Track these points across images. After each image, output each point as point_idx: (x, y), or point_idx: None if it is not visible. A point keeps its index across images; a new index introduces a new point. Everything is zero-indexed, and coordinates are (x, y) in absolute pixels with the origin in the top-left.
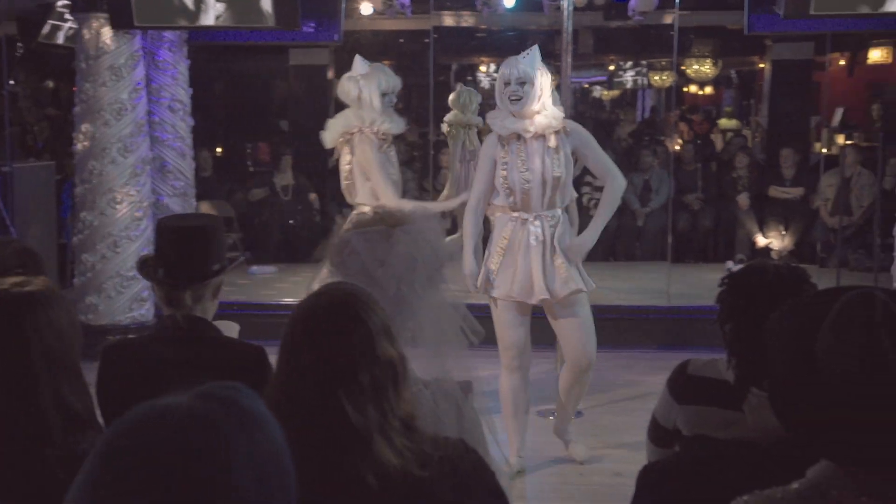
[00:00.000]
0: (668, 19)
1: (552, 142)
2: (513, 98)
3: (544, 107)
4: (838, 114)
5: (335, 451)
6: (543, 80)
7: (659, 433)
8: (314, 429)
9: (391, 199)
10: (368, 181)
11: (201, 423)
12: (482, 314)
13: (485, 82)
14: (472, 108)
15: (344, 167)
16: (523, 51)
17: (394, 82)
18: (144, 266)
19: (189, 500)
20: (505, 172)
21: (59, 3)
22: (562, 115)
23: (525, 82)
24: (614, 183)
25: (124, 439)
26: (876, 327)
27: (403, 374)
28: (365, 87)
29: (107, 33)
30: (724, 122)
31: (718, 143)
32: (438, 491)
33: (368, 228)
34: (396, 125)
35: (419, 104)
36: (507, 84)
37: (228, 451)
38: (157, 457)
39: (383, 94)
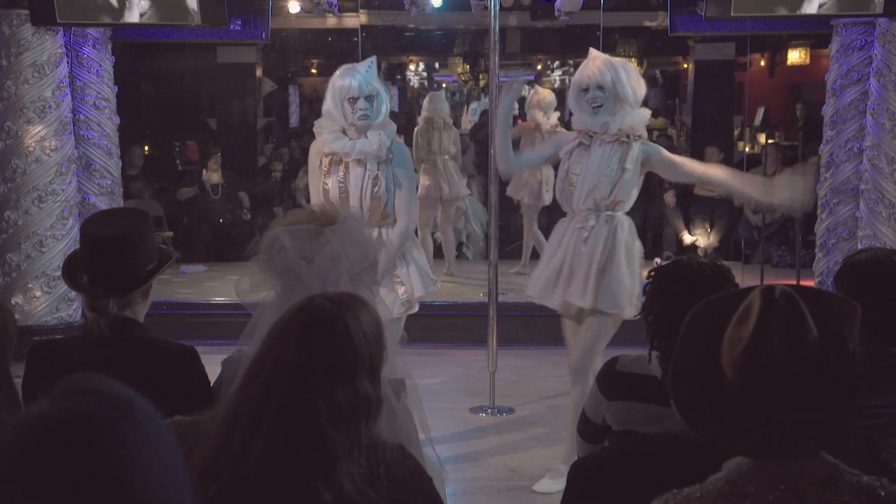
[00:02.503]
0: (593, 19)
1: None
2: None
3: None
4: (760, 113)
5: (299, 463)
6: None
7: (589, 429)
8: (283, 436)
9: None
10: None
11: (93, 423)
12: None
13: (414, 81)
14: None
15: None
16: (451, 49)
17: (346, 83)
18: (69, 272)
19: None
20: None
21: None
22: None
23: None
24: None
25: (14, 445)
26: (768, 319)
27: (377, 413)
28: (330, 88)
29: (28, 30)
30: (650, 122)
31: None
32: None
33: (298, 226)
34: (347, 146)
35: None
36: (355, 99)
37: (123, 450)
38: (51, 462)
39: (348, 100)
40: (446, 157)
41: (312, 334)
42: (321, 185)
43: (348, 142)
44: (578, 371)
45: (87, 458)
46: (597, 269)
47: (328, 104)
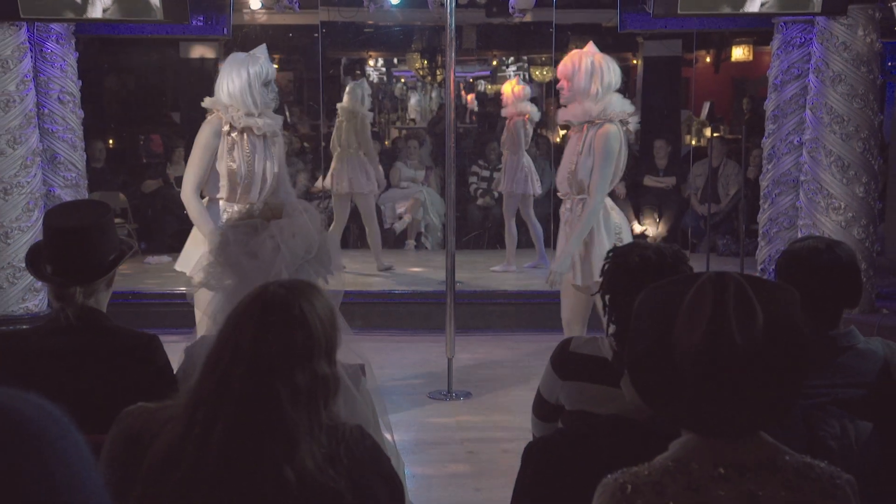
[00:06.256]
0: (546, 17)
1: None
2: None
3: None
4: (706, 108)
5: (260, 445)
6: None
7: (543, 408)
8: (244, 420)
9: (185, 190)
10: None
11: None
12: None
13: (373, 76)
14: (365, 101)
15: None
16: (409, 45)
17: (268, 70)
18: (34, 262)
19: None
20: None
21: None
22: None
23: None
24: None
25: None
26: (724, 305)
27: (335, 393)
28: (243, 72)
29: None
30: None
31: None
32: (341, 488)
33: (242, 222)
34: (268, 125)
35: (310, 97)
36: (267, 83)
37: (42, 448)
38: None
39: (265, 84)
40: (351, 150)
41: (269, 320)
42: (222, 163)
43: (259, 119)
44: None
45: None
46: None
47: (235, 86)
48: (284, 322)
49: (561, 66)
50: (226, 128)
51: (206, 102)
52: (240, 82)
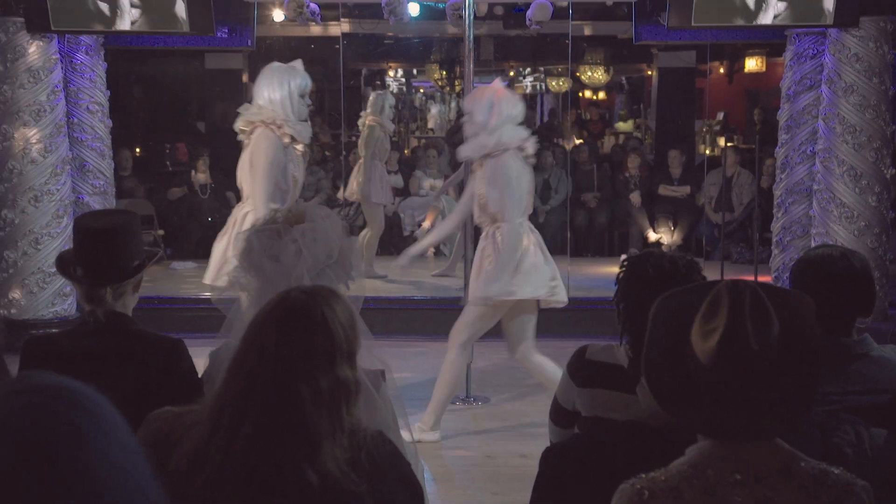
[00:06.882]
0: (562, 28)
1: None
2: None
3: None
4: (719, 118)
5: (284, 447)
6: None
7: (560, 414)
8: (268, 423)
9: (259, 207)
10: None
11: (39, 418)
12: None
13: (393, 86)
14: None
15: (244, 157)
16: (429, 56)
17: (307, 83)
18: (63, 265)
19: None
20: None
21: None
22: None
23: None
24: None
25: None
26: (740, 312)
27: (356, 396)
28: (285, 84)
29: (24, 37)
30: (621, 126)
31: (607, 144)
32: (363, 492)
33: (265, 226)
34: (304, 134)
35: (331, 107)
36: (304, 95)
37: (76, 439)
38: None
39: (301, 96)
40: (360, 160)
41: (292, 325)
42: (288, 175)
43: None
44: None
45: (38, 453)
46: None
47: (277, 96)
48: (306, 327)
49: (464, 102)
50: (286, 140)
51: (251, 113)
52: (281, 93)
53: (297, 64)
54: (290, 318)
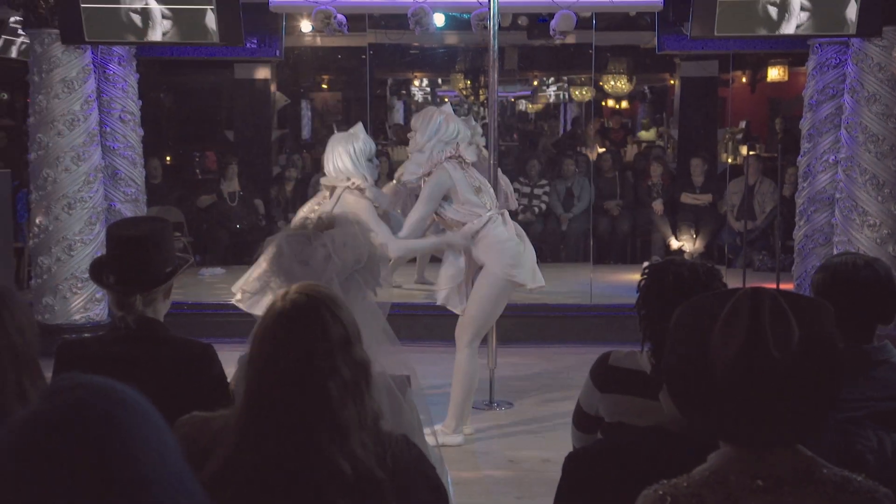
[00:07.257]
0: (586, 38)
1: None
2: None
3: None
4: (742, 126)
5: (315, 441)
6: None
7: (583, 419)
8: (297, 418)
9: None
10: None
11: (83, 413)
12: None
13: (418, 96)
14: None
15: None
16: (453, 66)
17: (371, 147)
18: (96, 272)
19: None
20: None
21: (12, 20)
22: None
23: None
24: None
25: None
26: (761, 319)
27: (371, 376)
28: (348, 150)
29: (58, 48)
30: (644, 134)
31: (630, 153)
32: (387, 488)
33: (295, 232)
34: (381, 200)
35: (357, 116)
36: (370, 159)
37: (119, 431)
38: (63, 456)
39: (369, 160)
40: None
41: (295, 329)
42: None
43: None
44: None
45: (83, 445)
46: None
47: (344, 164)
48: (318, 324)
49: (412, 120)
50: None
51: (328, 180)
52: (347, 159)
53: (357, 129)
54: (301, 321)
